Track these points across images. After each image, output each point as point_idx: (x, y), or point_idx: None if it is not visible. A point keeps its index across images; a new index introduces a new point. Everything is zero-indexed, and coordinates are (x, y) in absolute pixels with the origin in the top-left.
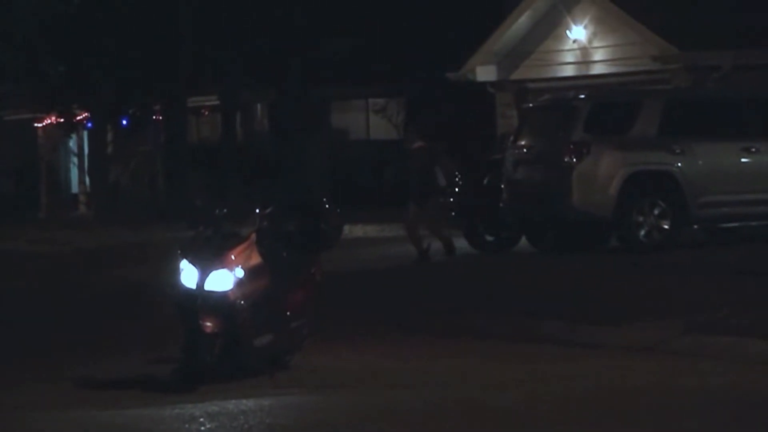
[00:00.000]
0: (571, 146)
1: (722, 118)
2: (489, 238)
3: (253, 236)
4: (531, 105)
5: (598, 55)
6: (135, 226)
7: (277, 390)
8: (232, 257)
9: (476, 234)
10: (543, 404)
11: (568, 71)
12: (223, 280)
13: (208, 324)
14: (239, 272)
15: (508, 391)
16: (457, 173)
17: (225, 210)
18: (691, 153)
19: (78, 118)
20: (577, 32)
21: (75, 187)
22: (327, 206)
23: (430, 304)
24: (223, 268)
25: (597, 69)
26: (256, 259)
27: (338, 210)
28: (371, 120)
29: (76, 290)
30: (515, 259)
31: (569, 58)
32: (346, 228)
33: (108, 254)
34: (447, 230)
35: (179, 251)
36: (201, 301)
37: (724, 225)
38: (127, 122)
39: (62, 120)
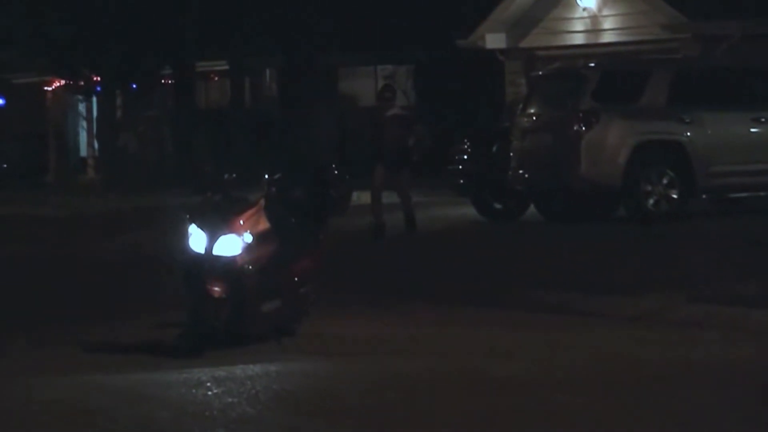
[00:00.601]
0: (580, 115)
1: (731, 88)
2: (497, 206)
3: (262, 202)
4: (540, 73)
5: (607, 24)
6: (143, 191)
7: (284, 356)
8: (241, 222)
9: (484, 202)
10: (549, 373)
11: (578, 39)
12: (231, 244)
13: (216, 289)
14: (247, 237)
15: (515, 360)
16: (467, 144)
17: (233, 175)
18: (700, 123)
19: (87, 82)
20: (587, 0)
21: (83, 151)
22: (335, 173)
23: (438, 272)
24: (231, 232)
25: (606, 37)
26: (264, 225)
27: (347, 176)
28: (380, 87)
29: (83, 255)
30: (523, 227)
31: (579, 26)
32: (355, 195)
33: (115, 219)
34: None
35: (187, 216)
36: (209, 265)
37: (733, 195)
38: (136, 87)
39: (71, 83)
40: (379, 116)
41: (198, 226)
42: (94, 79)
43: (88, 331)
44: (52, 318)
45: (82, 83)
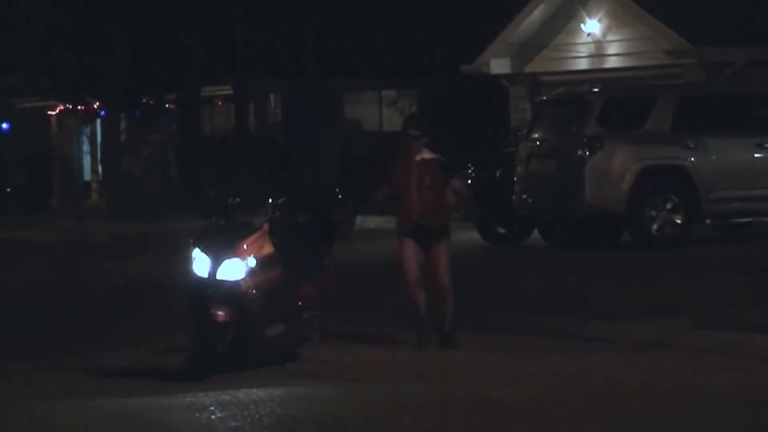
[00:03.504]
0: (585, 140)
1: (735, 114)
2: (501, 231)
3: (266, 226)
4: (544, 98)
5: (612, 49)
6: (147, 216)
7: (288, 381)
8: (245, 247)
9: (488, 227)
10: (553, 399)
11: (582, 65)
12: (235, 269)
13: (220, 313)
14: (251, 262)
15: (519, 385)
16: (471, 169)
17: (237, 200)
18: (704, 148)
19: (91, 107)
20: (592, 26)
21: (88, 176)
22: (340, 197)
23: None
24: (235, 257)
25: (611, 63)
26: (268, 250)
27: (351, 201)
28: (384, 112)
29: (87, 279)
30: (527, 252)
31: (583, 51)
32: (359, 219)
33: (120, 243)
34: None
35: (192, 240)
36: (213, 290)
37: (737, 220)
38: (141, 112)
39: (75, 109)
40: (404, 162)
41: (202, 251)
42: (97, 104)
43: (91, 356)
44: (55, 342)
45: (85, 108)
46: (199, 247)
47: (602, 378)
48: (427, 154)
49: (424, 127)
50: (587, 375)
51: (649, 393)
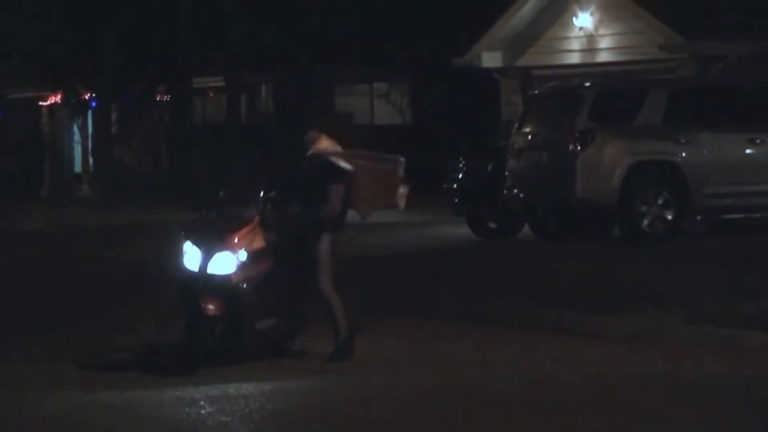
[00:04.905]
0: (576, 134)
1: (727, 109)
2: (492, 224)
3: (257, 219)
4: (536, 92)
5: (604, 43)
6: (138, 207)
7: (278, 374)
8: (236, 240)
9: (479, 220)
10: (543, 391)
11: (574, 58)
12: (226, 262)
13: (211, 307)
14: (243, 255)
15: (509, 376)
16: (463, 162)
17: (229, 192)
18: (695, 143)
19: (83, 97)
20: (584, 19)
21: (78, 167)
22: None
23: (431, 290)
24: (226, 250)
25: (603, 57)
26: (259, 243)
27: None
28: (375, 104)
29: (77, 270)
30: (518, 246)
31: (575, 45)
32: (351, 212)
33: (110, 234)
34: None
35: (182, 233)
36: (203, 283)
37: (728, 216)
38: (132, 102)
39: (67, 98)
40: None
41: (193, 243)
42: (89, 94)
43: (81, 347)
44: (45, 333)
45: (77, 98)
46: (190, 240)
47: (593, 371)
48: (321, 145)
49: (308, 120)
50: (578, 368)
51: (639, 386)
